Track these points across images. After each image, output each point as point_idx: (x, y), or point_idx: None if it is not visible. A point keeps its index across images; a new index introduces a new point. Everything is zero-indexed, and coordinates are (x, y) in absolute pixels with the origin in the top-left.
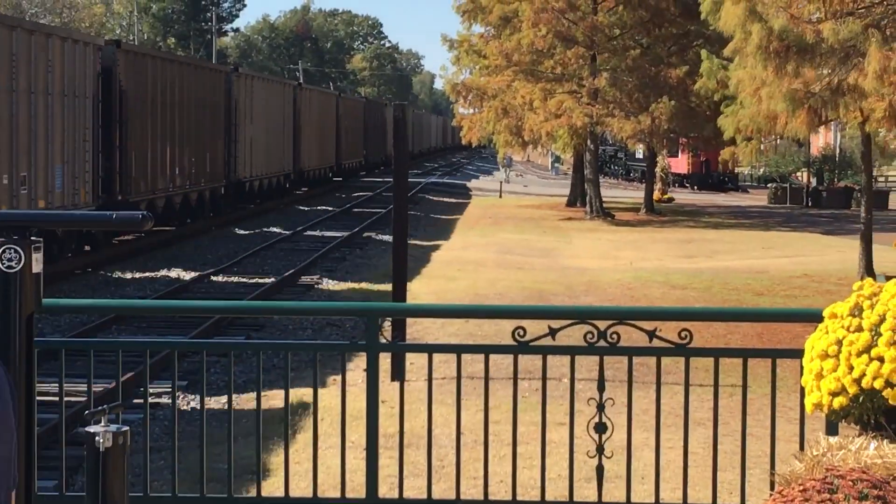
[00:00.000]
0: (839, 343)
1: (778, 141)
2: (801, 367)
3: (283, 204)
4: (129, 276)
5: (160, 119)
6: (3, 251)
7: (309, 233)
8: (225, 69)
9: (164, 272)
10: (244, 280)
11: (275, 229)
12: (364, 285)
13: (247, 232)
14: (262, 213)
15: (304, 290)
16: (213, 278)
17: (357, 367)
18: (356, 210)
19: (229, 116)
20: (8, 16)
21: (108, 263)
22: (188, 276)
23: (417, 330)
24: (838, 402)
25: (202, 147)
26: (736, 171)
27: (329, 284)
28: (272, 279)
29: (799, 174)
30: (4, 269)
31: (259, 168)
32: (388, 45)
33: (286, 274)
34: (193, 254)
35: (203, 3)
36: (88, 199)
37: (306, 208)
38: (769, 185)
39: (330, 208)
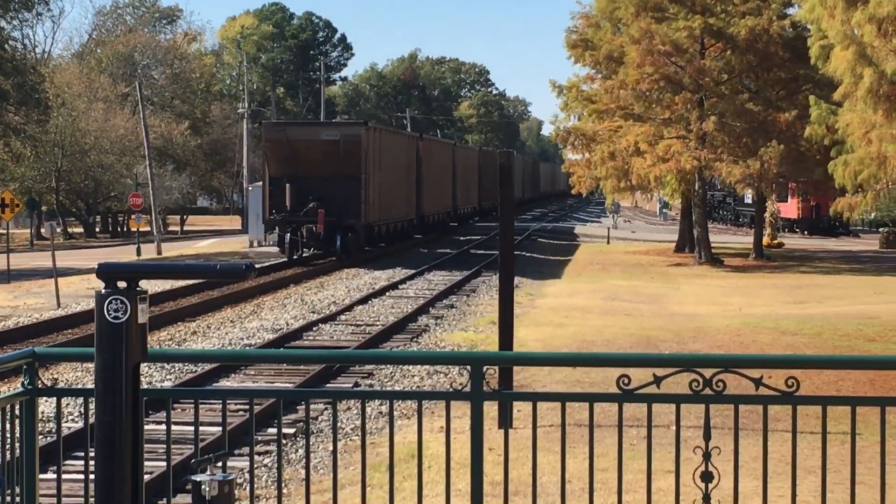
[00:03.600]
0: None
1: (889, 185)
2: None
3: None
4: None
5: (434, 176)
6: (110, 302)
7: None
8: (451, 143)
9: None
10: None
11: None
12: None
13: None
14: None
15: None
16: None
17: (465, 414)
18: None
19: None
20: (382, 127)
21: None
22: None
23: (525, 377)
24: None
25: (449, 189)
26: (847, 216)
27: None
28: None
29: None
30: (111, 320)
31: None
32: (495, 91)
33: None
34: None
35: (311, 53)
36: (412, 214)
37: (460, 237)
38: (881, 229)
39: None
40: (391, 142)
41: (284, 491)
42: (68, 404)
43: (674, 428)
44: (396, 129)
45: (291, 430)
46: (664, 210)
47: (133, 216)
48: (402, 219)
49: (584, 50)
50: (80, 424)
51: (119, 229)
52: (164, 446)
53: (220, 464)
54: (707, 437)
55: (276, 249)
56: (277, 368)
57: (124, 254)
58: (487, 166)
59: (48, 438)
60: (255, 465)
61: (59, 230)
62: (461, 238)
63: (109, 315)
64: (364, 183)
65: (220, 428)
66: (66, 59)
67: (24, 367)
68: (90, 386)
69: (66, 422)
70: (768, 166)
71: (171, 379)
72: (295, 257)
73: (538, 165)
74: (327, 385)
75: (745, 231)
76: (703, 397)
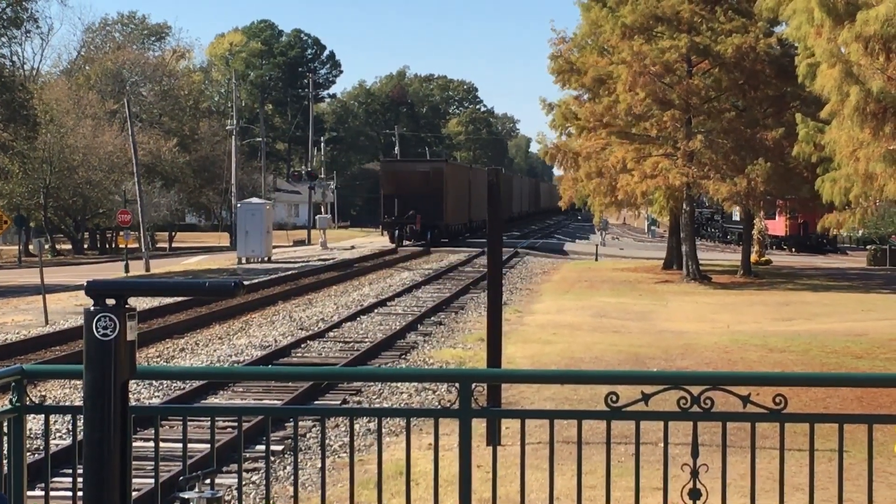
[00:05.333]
0: None
1: (877, 202)
2: None
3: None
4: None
5: (477, 193)
6: (99, 319)
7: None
8: (485, 169)
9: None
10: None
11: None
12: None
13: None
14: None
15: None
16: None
17: (453, 431)
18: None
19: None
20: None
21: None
22: None
23: (513, 394)
24: None
25: (485, 202)
26: (834, 232)
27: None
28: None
29: None
30: (99, 338)
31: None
32: (483, 109)
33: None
34: None
35: (300, 70)
36: (465, 219)
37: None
38: (868, 246)
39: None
40: (457, 171)
41: None
42: (56, 421)
43: (662, 445)
44: (460, 163)
45: (280, 448)
46: (652, 227)
47: (121, 233)
48: (461, 222)
49: (571, 74)
50: (69, 441)
51: (107, 246)
52: (153, 463)
53: (208, 481)
54: (695, 454)
55: (264, 266)
56: (266, 385)
57: (112, 270)
58: (507, 185)
59: (36, 455)
60: (244, 483)
61: (47, 247)
62: None
63: (98, 332)
64: (444, 199)
65: (209, 445)
66: (54, 76)
67: (13, 384)
68: (78, 403)
69: (55, 439)
70: (755, 184)
71: (159, 396)
72: (400, 245)
73: (538, 184)
74: (316, 402)
75: (732, 248)
76: (690, 415)
